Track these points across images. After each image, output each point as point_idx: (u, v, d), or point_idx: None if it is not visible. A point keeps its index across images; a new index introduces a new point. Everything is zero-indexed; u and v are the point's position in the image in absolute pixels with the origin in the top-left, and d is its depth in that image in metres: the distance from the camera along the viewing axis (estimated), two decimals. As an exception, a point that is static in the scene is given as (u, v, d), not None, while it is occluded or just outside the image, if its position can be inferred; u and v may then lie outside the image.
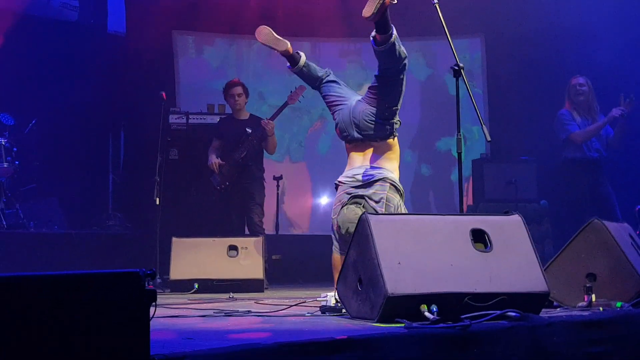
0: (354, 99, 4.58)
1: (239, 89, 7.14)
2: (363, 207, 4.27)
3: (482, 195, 7.74)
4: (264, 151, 7.26)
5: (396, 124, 4.50)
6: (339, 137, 4.70)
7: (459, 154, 4.14)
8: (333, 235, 4.50)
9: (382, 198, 4.30)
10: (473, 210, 7.75)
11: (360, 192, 4.36)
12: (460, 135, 4.14)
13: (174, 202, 7.48)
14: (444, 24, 4.26)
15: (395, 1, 4.11)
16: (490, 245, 3.22)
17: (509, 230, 3.32)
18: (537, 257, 3.25)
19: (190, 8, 9.23)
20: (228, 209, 7.18)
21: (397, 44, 4.19)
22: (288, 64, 4.80)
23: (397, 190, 4.41)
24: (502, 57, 9.04)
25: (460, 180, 4.20)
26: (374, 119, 4.41)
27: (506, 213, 3.44)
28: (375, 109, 4.42)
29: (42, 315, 1.67)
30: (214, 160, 7.07)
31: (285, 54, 4.74)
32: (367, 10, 4.03)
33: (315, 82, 4.78)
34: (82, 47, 8.84)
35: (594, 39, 8.04)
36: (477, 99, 9.23)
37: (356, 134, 4.49)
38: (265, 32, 4.67)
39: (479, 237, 3.25)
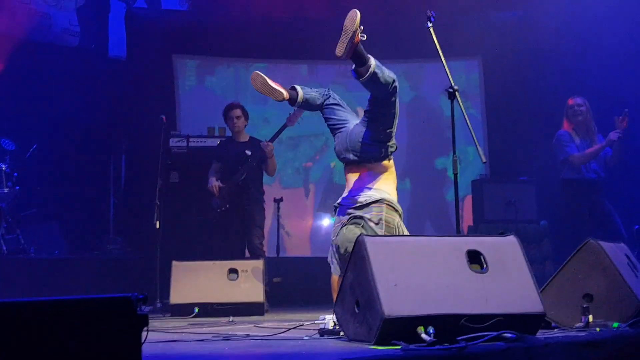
0: (353, 122, 4.62)
1: (237, 112, 7.16)
2: (362, 227, 4.29)
3: (482, 216, 7.73)
4: (264, 173, 7.29)
5: (392, 147, 4.54)
6: (338, 159, 4.75)
7: (455, 175, 4.16)
8: (331, 257, 4.51)
9: (381, 219, 4.33)
10: (473, 231, 7.75)
11: (359, 213, 4.39)
12: (456, 156, 4.18)
13: (174, 225, 7.48)
14: (438, 47, 4.31)
15: (365, 37, 4.14)
16: (486, 267, 3.23)
17: (505, 251, 3.33)
18: (532, 278, 3.25)
19: (190, 32, 9.30)
20: (228, 232, 7.16)
21: (378, 71, 4.19)
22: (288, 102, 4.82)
23: (396, 210, 4.44)
24: (500, 78, 9.07)
25: (456, 201, 4.21)
26: (369, 141, 4.45)
27: (501, 234, 3.45)
28: (370, 131, 4.45)
29: (34, 340, 1.68)
30: (214, 183, 7.08)
31: (283, 100, 4.74)
32: (339, 50, 4.12)
33: (317, 109, 4.82)
34: (83, 71, 8.90)
35: (592, 59, 8.08)
36: (476, 119, 9.31)
37: (352, 156, 4.54)
38: (260, 81, 4.61)
39: (475, 259, 3.26)
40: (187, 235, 7.64)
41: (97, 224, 9.07)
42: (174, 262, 6.25)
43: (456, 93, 4.27)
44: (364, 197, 4.42)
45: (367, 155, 4.50)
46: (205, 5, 9.86)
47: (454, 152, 4.22)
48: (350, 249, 3.81)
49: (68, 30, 9.27)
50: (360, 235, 3.35)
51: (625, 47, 7.97)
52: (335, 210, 4.62)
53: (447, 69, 4.37)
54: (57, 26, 9.22)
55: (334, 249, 4.44)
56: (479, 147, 4.19)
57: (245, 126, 7.27)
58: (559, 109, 7.27)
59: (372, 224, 4.30)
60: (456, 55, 9.16)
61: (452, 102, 4.27)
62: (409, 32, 7.73)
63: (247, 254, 7.09)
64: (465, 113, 4.23)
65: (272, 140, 7.07)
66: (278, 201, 8.00)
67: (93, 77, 8.95)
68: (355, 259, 3.28)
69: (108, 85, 9.01)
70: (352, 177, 4.60)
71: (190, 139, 7.97)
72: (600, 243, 3.82)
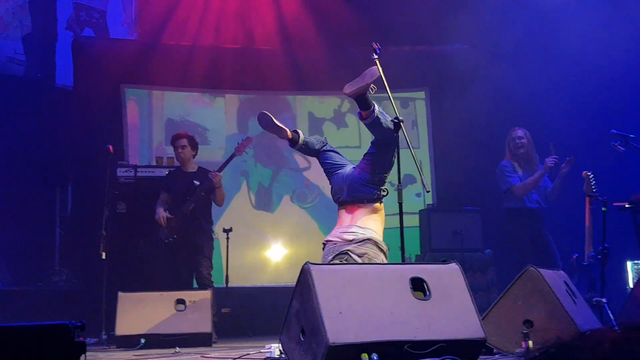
0: (349, 166, 5.00)
1: (183, 141, 7.17)
2: (346, 261, 4.45)
3: (429, 245, 7.82)
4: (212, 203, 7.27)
5: (384, 191, 4.86)
6: (332, 199, 5.04)
7: (400, 204, 4.25)
8: None
9: (365, 253, 4.50)
10: (421, 260, 7.82)
11: (345, 248, 4.57)
12: (400, 185, 4.27)
13: (121, 256, 7.38)
14: (383, 79, 4.41)
15: (373, 92, 4.48)
16: (429, 294, 3.29)
17: (447, 278, 3.40)
18: (474, 305, 3.32)
19: (138, 62, 9.25)
20: (176, 262, 7.11)
21: (381, 117, 4.58)
22: (288, 142, 5.15)
23: (381, 249, 4.65)
24: (446, 109, 9.21)
25: (401, 230, 4.29)
26: (363, 183, 4.79)
27: (444, 262, 3.52)
28: (366, 174, 4.80)
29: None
30: (162, 214, 7.04)
31: (285, 139, 5.10)
32: (347, 89, 4.51)
33: (314, 154, 5.19)
34: (29, 101, 8.80)
35: (535, 90, 8.28)
36: (422, 150, 9.45)
37: (347, 196, 4.85)
38: (266, 120, 5.00)
39: (418, 286, 3.32)
40: (134, 266, 7.54)
41: (42, 254, 8.89)
42: (120, 293, 6.20)
43: (401, 123, 4.36)
44: (352, 236, 4.66)
45: (361, 195, 4.81)
46: (154, 35, 9.85)
47: (399, 182, 4.31)
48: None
49: (13, 59, 9.17)
50: (305, 263, 3.38)
51: (566, 79, 8.19)
52: (323, 247, 4.83)
53: (392, 100, 4.49)
54: (2, 55, 9.11)
55: None
56: (422, 176, 4.28)
57: (193, 156, 7.27)
58: (503, 140, 7.40)
59: (355, 257, 4.50)
60: (403, 87, 9.32)
61: (397, 133, 4.37)
62: (356, 64, 7.84)
63: (195, 284, 7.05)
64: (409, 143, 4.33)
65: (220, 170, 7.06)
66: (227, 231, 7.98)
67: (39, 107, 8.85)
68: (301, 288, 3.31)
69: (55, 114, 8.91)
70: (344, 215, 4.89)
71: (138, 169, 7.92)
72: (540, 270, 3.91)
